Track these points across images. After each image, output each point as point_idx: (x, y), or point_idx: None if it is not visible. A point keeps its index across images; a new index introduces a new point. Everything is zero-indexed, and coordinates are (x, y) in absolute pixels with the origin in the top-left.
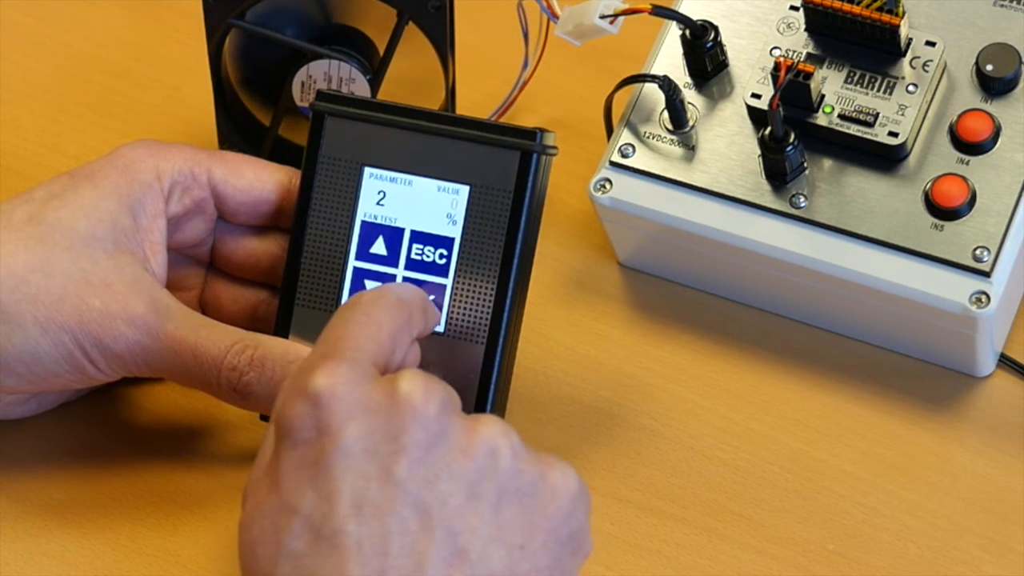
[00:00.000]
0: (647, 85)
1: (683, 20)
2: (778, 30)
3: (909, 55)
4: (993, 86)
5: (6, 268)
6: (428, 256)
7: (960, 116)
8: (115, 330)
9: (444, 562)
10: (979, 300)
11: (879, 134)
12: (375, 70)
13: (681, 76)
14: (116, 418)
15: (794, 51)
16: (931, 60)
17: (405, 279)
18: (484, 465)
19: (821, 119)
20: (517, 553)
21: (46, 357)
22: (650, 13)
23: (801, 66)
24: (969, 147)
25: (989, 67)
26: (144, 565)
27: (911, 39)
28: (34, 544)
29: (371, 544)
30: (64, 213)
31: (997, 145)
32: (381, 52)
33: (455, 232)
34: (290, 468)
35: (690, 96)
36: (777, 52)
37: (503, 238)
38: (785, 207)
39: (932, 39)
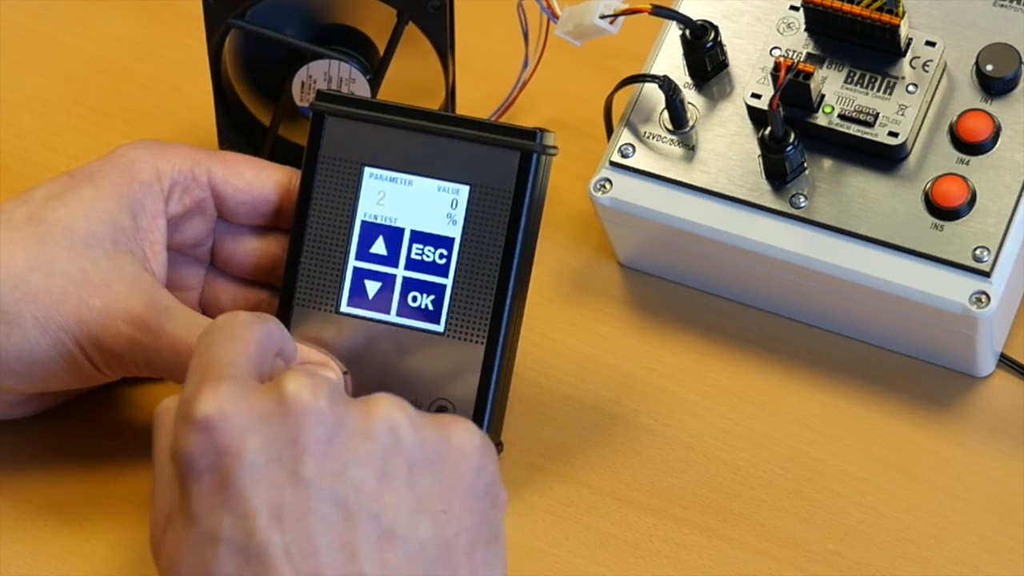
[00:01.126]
0: (647, 85)
1: (683, 20)
2: (778, 30)
3: (909, 55)
4: (993, 86)
5: (6, 268)
6: (428, 256)
7: (960, 116)
8: (115, 330)
9: (374, 545)
10: (979, 300)
11: (879, 134)
12: (375, 70)
13: (681, 76)
14: (116, 418)
15: (794, 51)
16: (931, 60)
17: (405, 279)
18: (387, 443)
19: (821, 119)
20: (441, 518)
21: (45, 357)
22: (650, 13)
23: (801, 66)
24: (969, 147)
25: (989, 67)
26: (144, 565)
27: (911, 39)
28: (34, 544)
29: (299, 548)
30: (64, 213)
31: (997, 145)
32: (381, 52)
33: (455, 232)
34: (200, 499)
35: (690, 96)
36: (777, 52)
37: (503, 238)
38: (785, 207)
39: (932, 39)
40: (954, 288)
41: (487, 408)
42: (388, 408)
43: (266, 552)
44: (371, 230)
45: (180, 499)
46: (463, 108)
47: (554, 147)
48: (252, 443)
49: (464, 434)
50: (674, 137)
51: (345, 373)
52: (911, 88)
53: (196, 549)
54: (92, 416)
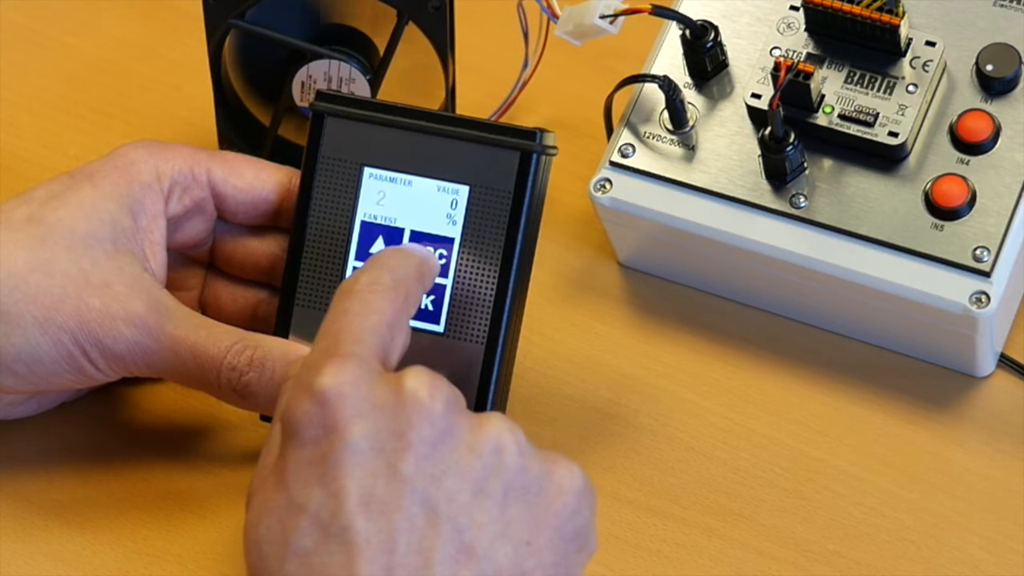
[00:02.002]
0: (647, 85)
1: (683, 20)
2: (778, 30)
3: (909, 55)
4: (993, 86)
5: (6, 268)
6: None
7: (960, 116)
8: (115, 330)
9: (451, 558)
10: (979, 300)
11: (879, 134)
12: (375, 70)
13: (681, 76)
14: (116, 418)
15: (794, 51)
16: (931, 60)
17: None
18: (490, 462)
19: (821, 119)
20: (523, 549)
21: (46, 357)
22: (650, 13)
23: (801, 66)
24: (969, 147)
25: (989, 67)
26: (144, 565)
27: (911, 39)
28: (34, 544)
29: (379, 541)
30: (64, 213)
31: (997, 145)
32: (381, 52)
33: (455, 232)
34: (297, 466)
35: (690, 96)
36: (777, 52)
37: (503, 238)
38: (785, 207)
39: (932, 39)
40: (954, 288)
41: (487, 408)
42: (499, 428)
43: (347, 535)
44: (371, 230)
45: (278, 460)
46: (463, 108)
47: (554, 147)
48: (359, 427)
49: (568, 473)
50: (674, 137)
51: None
52: (911, 88)
53: (279, 513)
54: (92, 416)
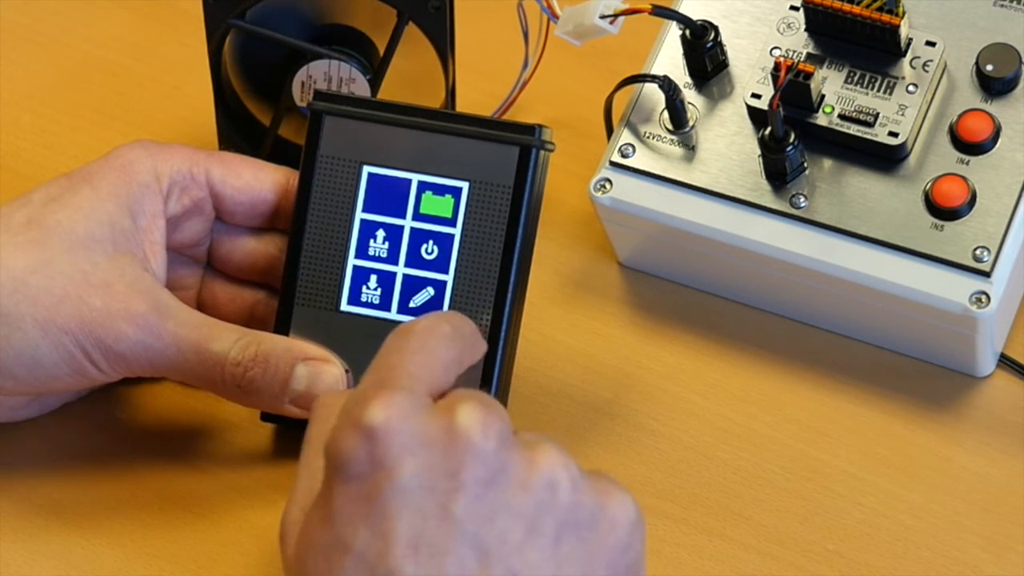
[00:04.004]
0: (647, 85)
1: (683, 20)
2: (778, 30)
3: (909, 55)
4: (993, 86)
5: (6, 271)
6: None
7: (960, 116)
8: (117, 330)
9: None
10: (979, 300)
11: (879, 134)
12: (375, 70)
13: (681, 76)
14: (116, 418)
15: (794, 51)
16: (931, 60)
17: (405, 276)
18: (543, 499)
19: (821, 119)
20: None
21: (47, 360)
22: (650, 13)
23: (801, 66)
24: (969, 147)
25: (989, 67)
26: (144, 565)
27: (911, 39)
28: (34, 544)
29: None
30: (63, 216)
31: (997, 145)
32: (381, 52)
33: (455, 228)
34: (344, 503)
35: (690, 96)
36: (777, 52)
37: (503, 233)
38: (785, 207)
39: (932, 39)
40: (954, 288)
41: None
42: (553, 463)
43: None
44: (370, 229)
45: (322, 495)
46: (463, 108)
47: (552, 143)
48: (409, 465)
49: (621, 506)
50: (674, 137)
51: (347, 371)
52: (911, 88)
53: (325, 551)
54: (92, 416)
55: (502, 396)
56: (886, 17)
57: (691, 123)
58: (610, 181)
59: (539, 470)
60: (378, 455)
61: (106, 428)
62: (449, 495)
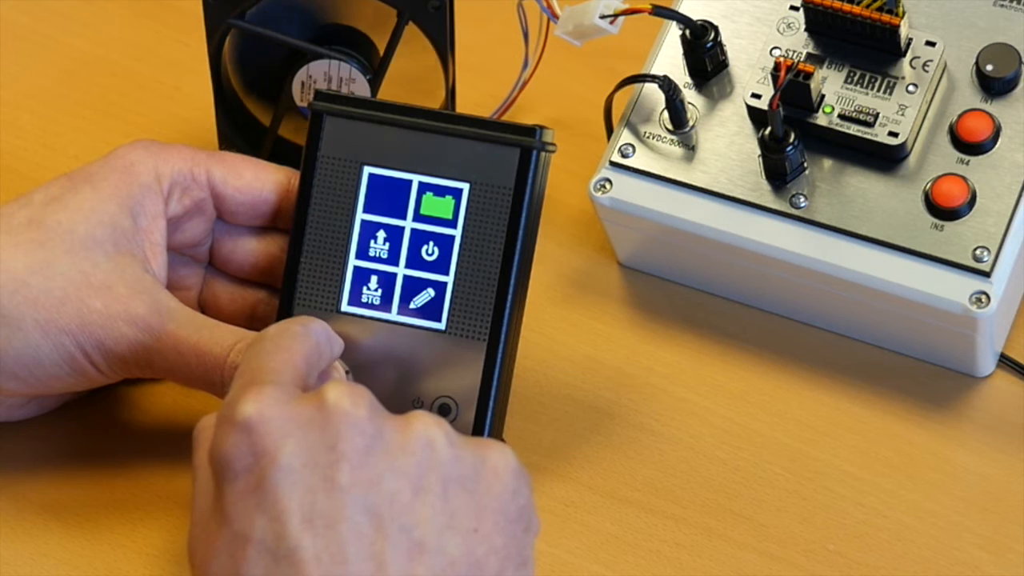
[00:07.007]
0: (647, 85)
1: (683, 20)
2: (778, 30)
3: (909, 55)
4: (993, 86)
5: (6, 271)
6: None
7: (960, 116)
8: (117, 331)
9: (403, 558)
10: (979, 300)
11: (879, 134)
12: (375, 70)
13: (681, 76)
14: (116, 418)
15: (794, 51)
16: (931, 60)
17: (405, 277)
18: (424, 458)
19: (821, 119)
20: (472, 537)
21: (47, 360)
22: (650, 13)
23: (801, 66)
24: (969, 147)
25: (989, 67)
26: (144, 565)
27: (911, 39)
28: (34, 544)
29: (329, 555)
30: (64, 216)
31: (997, 145)
32: (381, 52)
33: (455, 229)
34: (235, 500)
35: (690, 96)
36: (777, 52)
37: (503, 235)
38: (785, 207)
39: (932, 39)
40: (954, 288)
41: (490, 404)
42: (426, 424)
43: (296, 555)
44: (371, 229)
45: (215, 501)
46: (463, 108)
47: (553, 144)
48: (289, 447)
49: (501, 456)
50: (674, 137)
51: (347, 372)
52: (911, 88)
53: (226, 549)
54: (92, 416)
55: (503, 396)
56: (886, 17)
57: (691, 123)
58: (610, 181)
59: (414, 431)
60: (258, 444)
61: (106, 428)
62: (332, 466)
